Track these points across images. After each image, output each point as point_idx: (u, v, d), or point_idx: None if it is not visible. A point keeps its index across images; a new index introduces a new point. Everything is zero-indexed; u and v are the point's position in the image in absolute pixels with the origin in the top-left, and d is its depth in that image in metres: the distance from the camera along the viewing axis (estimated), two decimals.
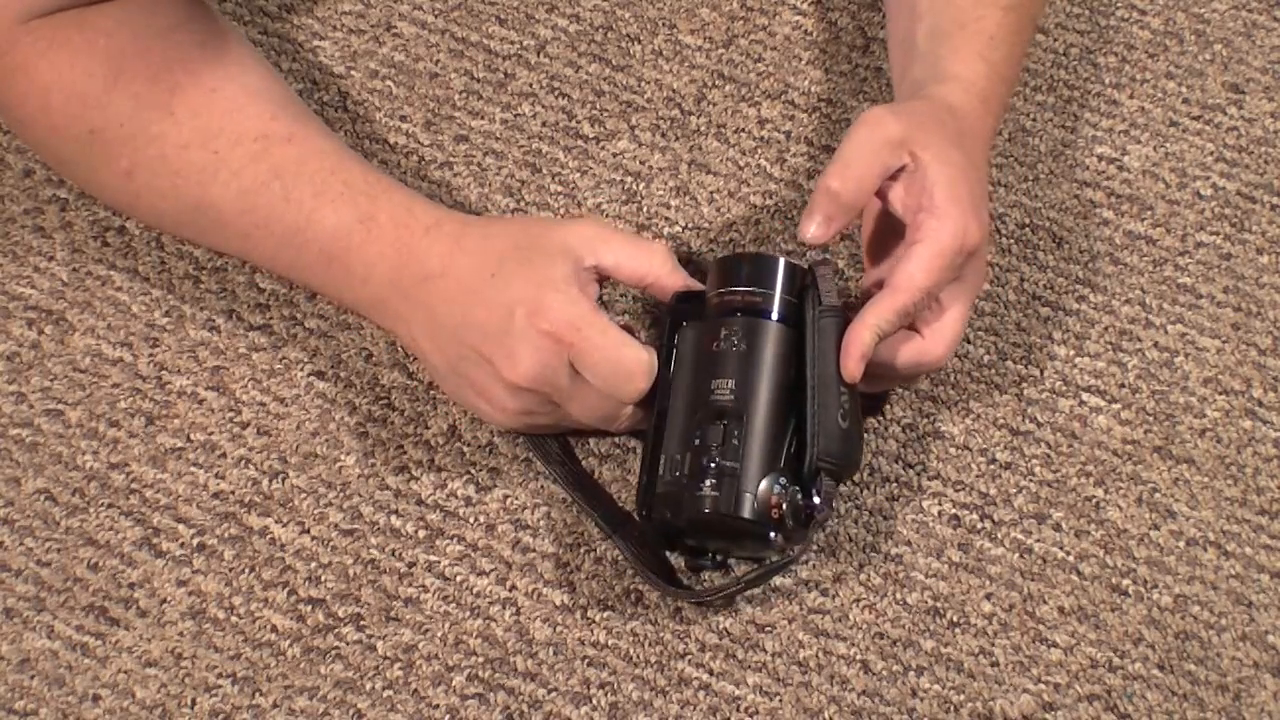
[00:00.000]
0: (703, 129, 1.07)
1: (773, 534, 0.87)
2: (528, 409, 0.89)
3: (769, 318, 0.89)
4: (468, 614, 0.92)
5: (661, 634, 0.92)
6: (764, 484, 0.86)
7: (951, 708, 0.90)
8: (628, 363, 0.87)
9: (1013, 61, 0.97)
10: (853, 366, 0.87)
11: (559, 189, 1.05)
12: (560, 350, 0.86)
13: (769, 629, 0.92)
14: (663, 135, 1.07)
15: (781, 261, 0.90)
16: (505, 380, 0.87)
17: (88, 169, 0.96)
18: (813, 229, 0.88)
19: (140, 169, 0.93)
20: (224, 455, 0.96)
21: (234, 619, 0.91)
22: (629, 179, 1.05)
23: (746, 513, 0.86)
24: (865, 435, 0.95)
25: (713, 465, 0.86)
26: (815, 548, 0.93)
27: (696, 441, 0.87)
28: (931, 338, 0.91)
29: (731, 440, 0.87)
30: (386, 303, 0.91)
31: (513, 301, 0.86)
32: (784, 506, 0.86)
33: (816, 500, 0.87)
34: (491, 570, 0.93)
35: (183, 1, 0.95)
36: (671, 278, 0.90)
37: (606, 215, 1.04)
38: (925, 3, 0.98)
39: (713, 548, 0.91)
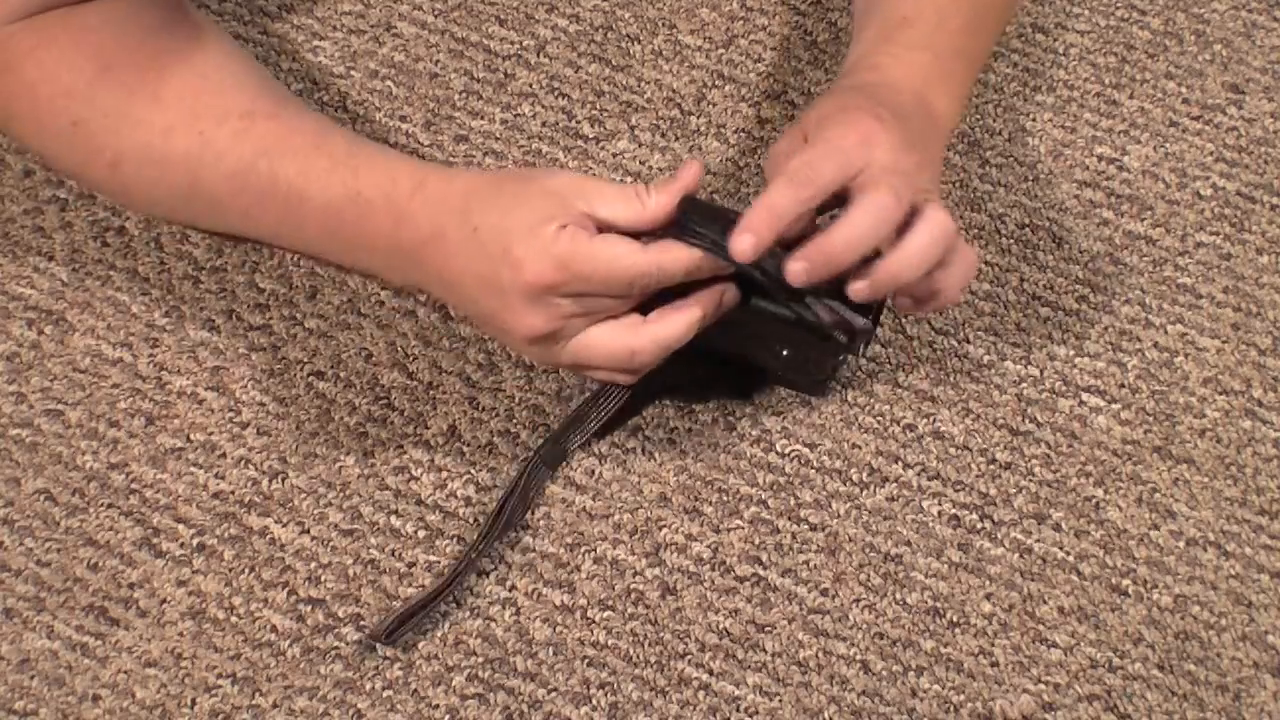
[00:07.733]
0: (703, 129, 1.07)
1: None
2: (546, 339, 0.87)
3: None
4: (467, 614, 0.92)
5: (661, 634, 0.92)
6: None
7: (951, 708, 0.90)
8: (625, 271, 0.84)
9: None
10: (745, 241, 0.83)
11: None
12: (555, 287, 0.84)
13: (769, 629, 0.92)
14: (663, 135, 1.07)
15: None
16: (518, 334, 0.87)
17: (74, 163, 0.96)
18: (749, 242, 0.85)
19: (126, 159, 0.93)
20: (224, 455, 0.96)
21: (234, 619, 0.91)
22: (629, 179, 1.05)
23: None
24: (857, 428, 0.95)
25: None
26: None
27: None
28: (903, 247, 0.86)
29: None
30: (396, 267, 0.92)
31: (499, 255, 0.85)
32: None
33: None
34: (491, 570, 0.93)
35: (163, 2, 0.95)
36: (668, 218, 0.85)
37: None
38: None
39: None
